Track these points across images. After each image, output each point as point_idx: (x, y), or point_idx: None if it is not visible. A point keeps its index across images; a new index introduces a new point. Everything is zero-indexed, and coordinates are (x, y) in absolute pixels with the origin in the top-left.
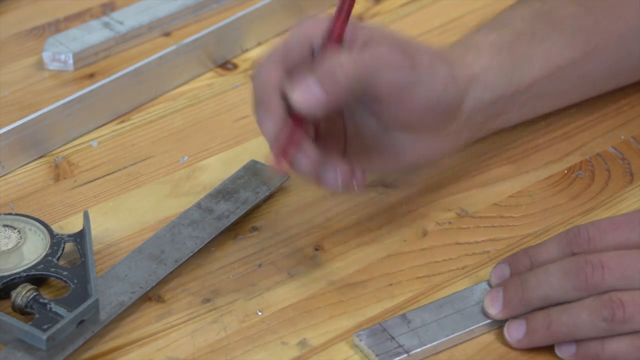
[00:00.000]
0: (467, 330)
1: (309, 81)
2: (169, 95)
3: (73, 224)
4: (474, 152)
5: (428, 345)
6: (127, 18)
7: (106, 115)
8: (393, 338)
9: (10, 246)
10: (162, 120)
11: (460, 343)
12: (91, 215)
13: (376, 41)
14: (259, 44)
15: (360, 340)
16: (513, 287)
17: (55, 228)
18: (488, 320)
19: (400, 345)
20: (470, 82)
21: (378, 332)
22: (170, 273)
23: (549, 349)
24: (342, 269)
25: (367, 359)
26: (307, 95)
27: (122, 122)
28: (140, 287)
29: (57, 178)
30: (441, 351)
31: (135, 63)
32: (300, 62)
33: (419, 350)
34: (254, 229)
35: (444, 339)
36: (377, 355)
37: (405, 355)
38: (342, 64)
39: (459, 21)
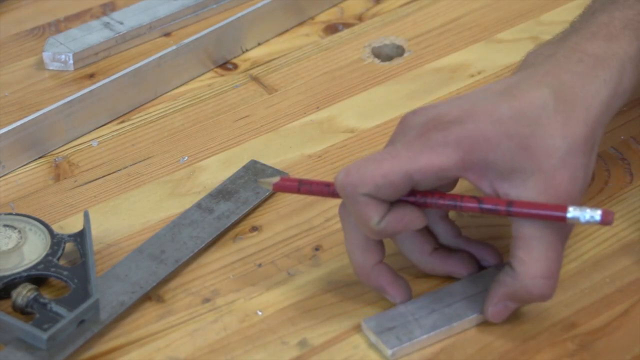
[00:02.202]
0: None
1: (507, 303)
2: (169, 95)
3: (73, 224)
4: None
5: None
6: (127, 18)
7: (106, 115)
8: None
9: (10, 246)
10: (162, 120)
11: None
12: (91, 215)
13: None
14: (259, 44)
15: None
16: None
17: (55, 228)
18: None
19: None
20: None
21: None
22: (170, 273)
23: (549, 348)
24: (342, 269)
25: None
26: (505, 313)
27: (122, 122)
28: (140, 287)
29: (57, 178)
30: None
31: (135, 63)
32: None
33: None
34: (254, 229)
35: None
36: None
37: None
38: (538, 290)
39: (459, 21)
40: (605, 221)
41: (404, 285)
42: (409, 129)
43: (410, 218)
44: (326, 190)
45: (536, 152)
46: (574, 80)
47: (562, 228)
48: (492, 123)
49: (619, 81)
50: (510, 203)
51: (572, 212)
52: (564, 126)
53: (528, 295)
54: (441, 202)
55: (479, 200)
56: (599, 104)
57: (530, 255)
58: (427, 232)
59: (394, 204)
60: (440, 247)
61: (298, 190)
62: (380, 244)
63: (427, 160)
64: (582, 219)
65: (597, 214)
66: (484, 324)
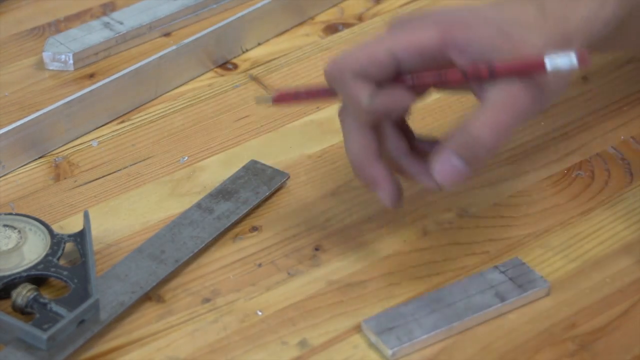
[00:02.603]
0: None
1: (452, 157)
2: (169, 95)
3: (73, 224)
4: None
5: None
6: (127, 18)
7: (106, 115)
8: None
9: (10, 246)
10: (162, 120)
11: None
12: (91, 215)
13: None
14: (259, 44)
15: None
16: None
17: (55, 228)
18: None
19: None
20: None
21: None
22: (170, 273)
23: (549, 348)
24: (342, 269)
25: (373, 348)
26: (451, 171)
27: (122, 122)
28: (140, 287)
29: (57, 178)
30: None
31: (135, 63)
32: (385, 79)
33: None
34: (254, 229)
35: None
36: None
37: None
38: (482, 137)
39: None
40: (582, 60)
41: (398, 187)
42: (394, 27)
43: (399, 96)
44: (322, 89)
45: (516, 40)
46: (556, 2)
47: (529, 92)
48: (472, 15)
49: (600, 7)
50: (491, 63)
51: (548, 59)
52: (542, 28)
53: (469, 141)
54: (425, 77)
55: (461, 69)
56: (579, 19)
57: (481, 107)
58: (404, 134)
59: (382, 87)
60: (417, 152)
61: (296, 97)
62: (376, 138)
63: (408, 37)
64: (560, 64)
65: (572, 56)
66: (484, 324)
